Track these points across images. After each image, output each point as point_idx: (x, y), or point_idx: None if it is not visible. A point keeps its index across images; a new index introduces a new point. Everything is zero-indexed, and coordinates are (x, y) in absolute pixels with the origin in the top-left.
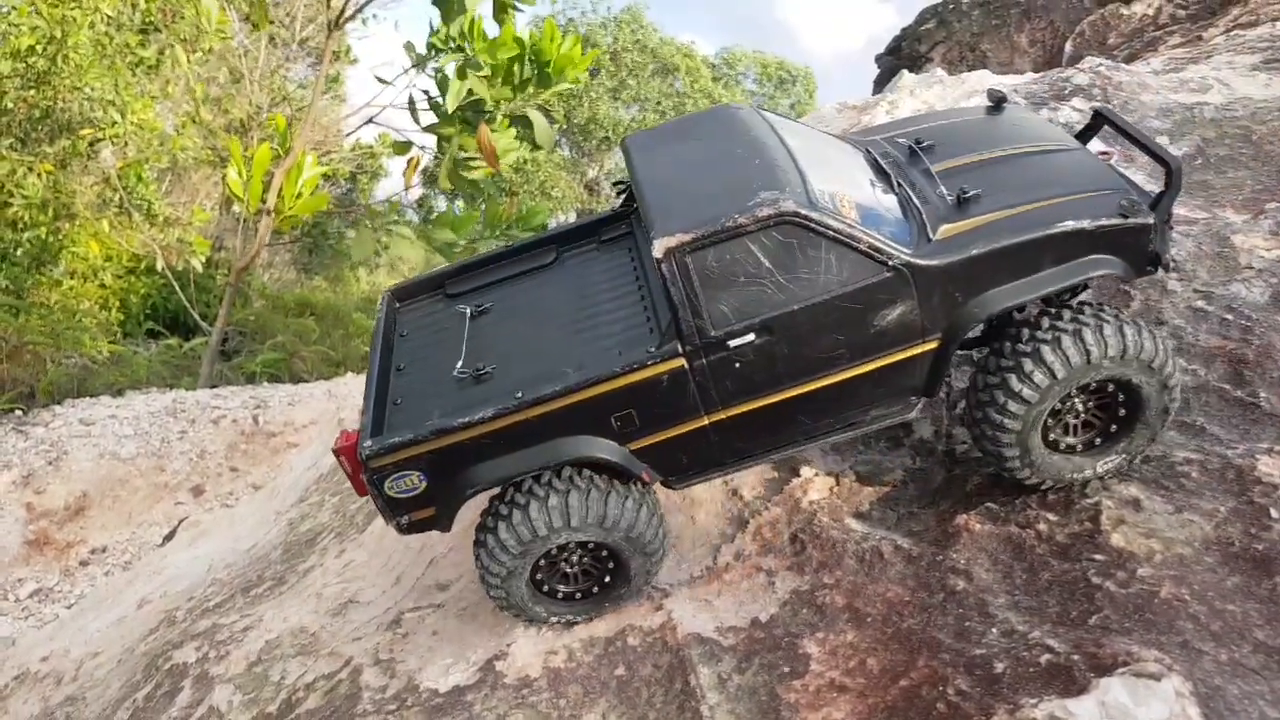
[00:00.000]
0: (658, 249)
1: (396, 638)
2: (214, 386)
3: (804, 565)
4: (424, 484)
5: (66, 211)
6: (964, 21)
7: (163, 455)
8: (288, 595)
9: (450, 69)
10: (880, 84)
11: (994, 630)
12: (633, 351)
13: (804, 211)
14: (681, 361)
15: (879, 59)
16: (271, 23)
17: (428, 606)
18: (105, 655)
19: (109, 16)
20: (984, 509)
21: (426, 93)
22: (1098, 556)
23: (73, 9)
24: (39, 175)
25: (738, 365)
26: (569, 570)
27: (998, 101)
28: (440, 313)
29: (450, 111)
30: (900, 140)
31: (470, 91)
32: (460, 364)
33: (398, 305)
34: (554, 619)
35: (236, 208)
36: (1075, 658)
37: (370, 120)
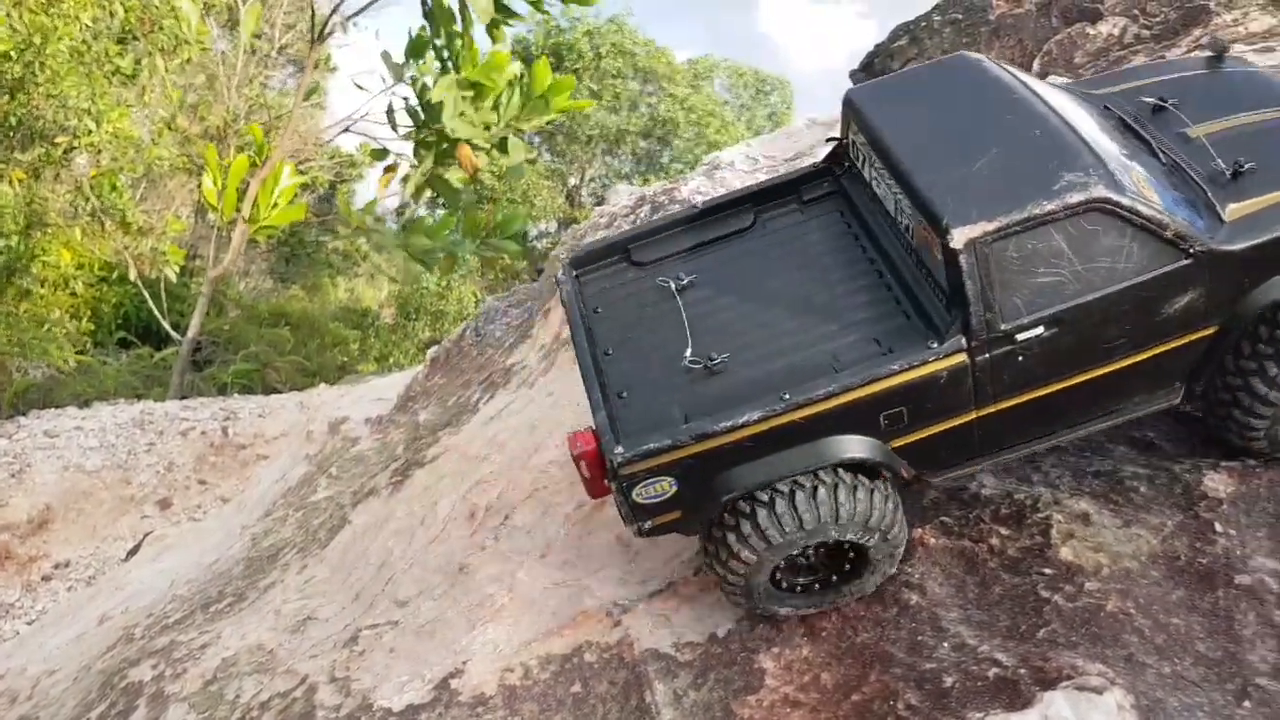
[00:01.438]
0: (957, 239)
1: (353, 655)
2: (184, 398)
3: None
4: (675, 489)
5: (38, 219)
6: (935, 39)
7: (129, 468)
8: (247, 612)
9: (432, 80)
10: None
11: (945, 644)
12: (905, 345)
13: (1115, 197)
14: (964, 357)
15: (853, 75)
16: (258, 36)
17: (385, 624)
18: (62, 673)
19: (87, 25)
20: (938, 523)
21: (406, 100)
22: (1047, 570)
23: (52, 16)
24: (11, 183)
25: (1020, 359)
26: (805, 563)
27: (1220, 52)
28: (633, 284)
29: (452, 130)
30: (1143, 99)
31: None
32: (689, 352)
33: (576, 275)
34: (790, 613)
35: (212, 216)
36: (1022, 671)
37: (347, 129)
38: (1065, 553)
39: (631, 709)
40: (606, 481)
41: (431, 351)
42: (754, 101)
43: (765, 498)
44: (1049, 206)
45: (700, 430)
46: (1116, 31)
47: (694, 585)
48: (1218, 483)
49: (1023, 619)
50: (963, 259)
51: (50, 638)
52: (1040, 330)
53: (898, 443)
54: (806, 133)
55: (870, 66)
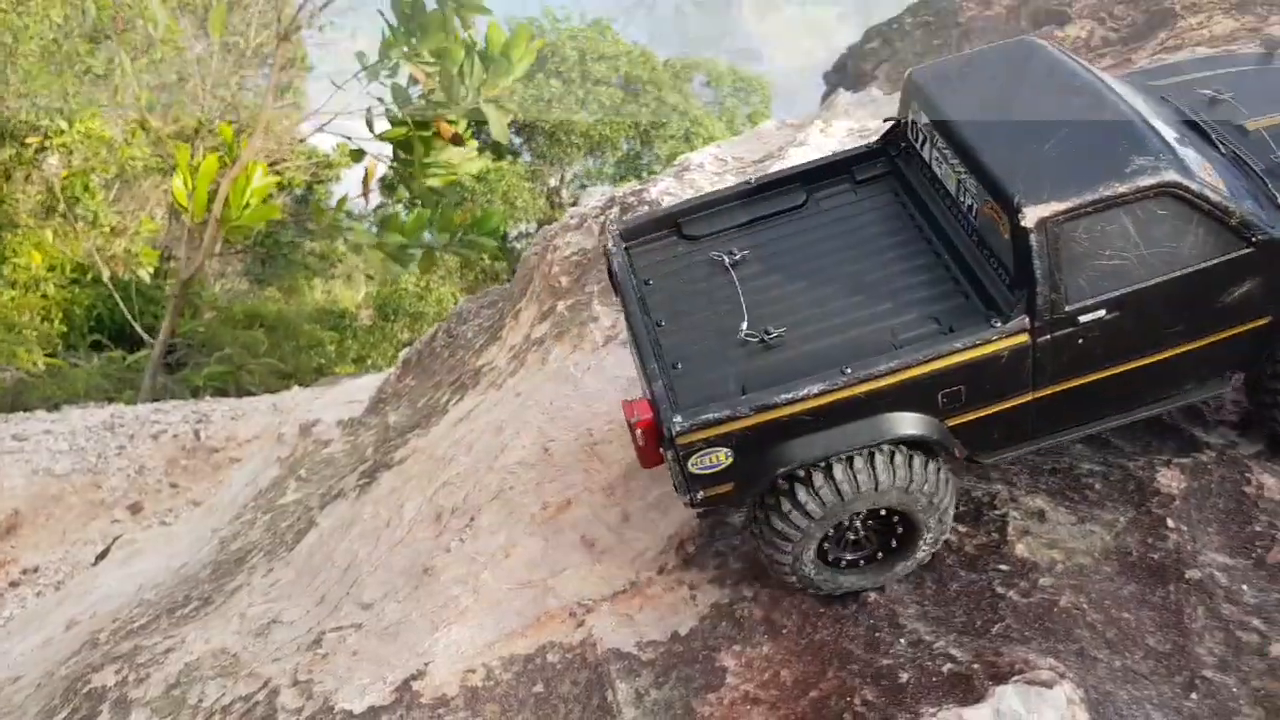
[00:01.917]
0: (1029, 218)
1: (316, 658)
2: (156, 400)
3: (725, 578)
4: (730, 460)
5: (9, 220)
6: (906, 40)
7: (99, 472)
8: (213, 615)
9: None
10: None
11: (902, 640)
12: (965, 325)
13: (1185, 182)
14: (1026, 338)
15: (826, 76)
16: (238, 35)
17: (349, 626)
18: (26, 680)
19: (57, 24)
20: None
21: (381, 100)
22: (1003, 567)
23: (22, 15)
24: None
25: (1080, 341)
26: (853, 538)
27: (1274, 49)
28: (684, 258)
29: (434, 95)
30: (1198, 91)
31: (432, 91)
32: (745, 326)
33: (626, 247)
34: (839, 589)
35: (186, 217)
36: (975, 666)
37: (322, 128)
38: (1021, 549)
39: (593, 708)
40: (661, 450)
41: (404, 353)
42: (733, 101)
43: (819, 467)
44: (1121, 189)
45: (761, 402)
46: (1084, 34)
47: (658, 585)
48: (1170, 479)
49: (978, 615)
50: (1033, 238)
51: (17, 644)
52: (1102, 313)
53: (953, 422)
54: (776, 134)
55: (844, 68)
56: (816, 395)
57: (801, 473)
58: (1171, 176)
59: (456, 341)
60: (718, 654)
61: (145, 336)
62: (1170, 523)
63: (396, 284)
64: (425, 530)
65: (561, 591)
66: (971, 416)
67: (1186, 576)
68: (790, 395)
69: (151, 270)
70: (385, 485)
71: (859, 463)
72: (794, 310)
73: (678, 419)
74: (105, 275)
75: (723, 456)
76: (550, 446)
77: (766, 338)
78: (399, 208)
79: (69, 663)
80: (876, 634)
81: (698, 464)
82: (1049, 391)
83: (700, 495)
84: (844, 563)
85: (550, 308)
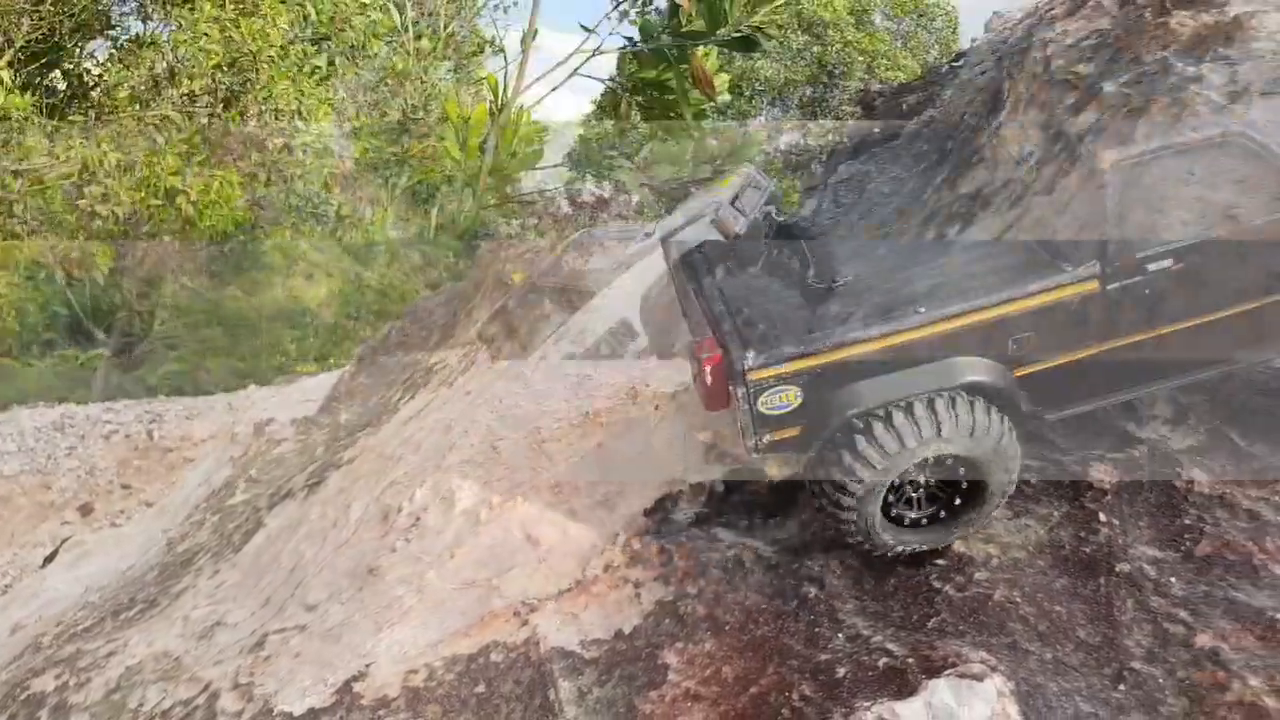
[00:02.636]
0: (1104, 159)
1: (258, 660)
2: (110, 400)
3: (670, 576)
4: (799, 401)
5: None
6: None
7: (49, 473)
8: (157, 618)
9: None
10: None
11: (840, 636)
12: (1036, 275)
13: (1253, 133)
14: (1096, 284)
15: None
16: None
17: (293, 628)
18: None
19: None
20: None
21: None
22: (939, 561)
23: None
24: None
25: (1147, 292)
26: (915, 495)
27: None
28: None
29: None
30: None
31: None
32: (813, 273)
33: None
34: (902, 548)
35: (455, 169)
36: (910, 660)
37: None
38: (957, 544)
39: (535, 707)
40: (731, 388)
41: (358, 351)
42: (917, 28)
43: (882, 413)
44: (1192, 135)
45: (834, 339)
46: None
47: (603, 583)
48: (1103, 474)
49: (915, 609)
50: (1107, 178)
51: None
52: (1169, 263)
53: (1021, 373)
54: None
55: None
56: (890, 334)
57: (880, 412)
58: (1239, 127)
59: (410, 339)
60: (661, 651)
61: (98, 335)
62: (1102, 517)
63: (360, 281)
64: (371, 530)
65: (506, 591)
66: (1040, 368)
67: (1117, 569)
68: (864, 333)
69: (106, 270)
70: (333, 485)
71: (937, 406)
72: (858, 264)
73: (750, 354)
74: (59, 275)
75: (793, 396)
76: (499, 445)
77: (834, 284)
78: (365, 206)
79: (9, 668)
80: (816, 629)
81: (767, 403)
82: (1116, 344)
83: (767, 438)
84: (907, 521)
85: (502, 305)
